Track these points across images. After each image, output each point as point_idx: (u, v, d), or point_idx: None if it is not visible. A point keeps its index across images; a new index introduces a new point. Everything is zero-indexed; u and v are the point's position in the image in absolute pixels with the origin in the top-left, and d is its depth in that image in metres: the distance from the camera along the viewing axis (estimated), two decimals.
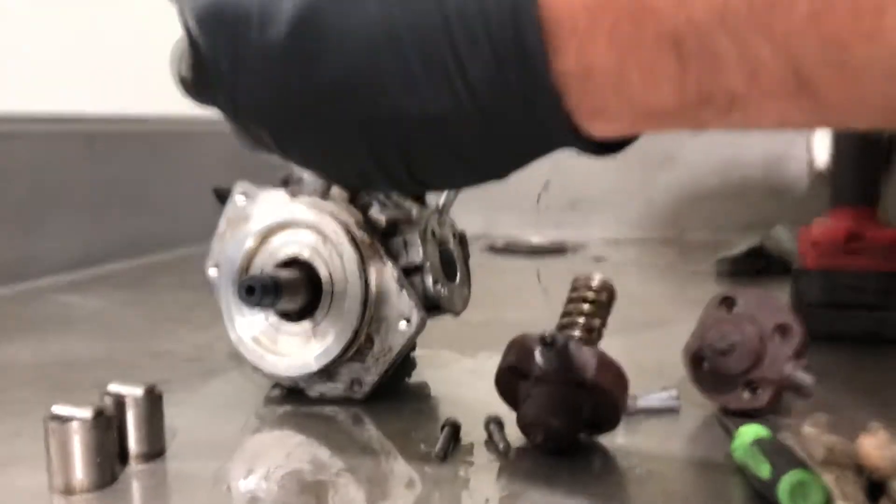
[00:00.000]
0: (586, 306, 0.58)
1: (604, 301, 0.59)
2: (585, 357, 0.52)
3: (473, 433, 0.56)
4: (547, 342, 0.50)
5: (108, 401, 0.52)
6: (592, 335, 0.58)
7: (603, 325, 0.59)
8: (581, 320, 0.58)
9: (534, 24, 0.30)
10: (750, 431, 0.50)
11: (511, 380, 0.55)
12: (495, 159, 0.38)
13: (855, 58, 0.25)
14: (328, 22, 0.34)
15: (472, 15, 0.31)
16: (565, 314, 0.59)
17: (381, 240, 0.63)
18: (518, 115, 0.33)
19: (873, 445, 0.47)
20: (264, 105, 0.39)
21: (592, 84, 0.31)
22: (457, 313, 0.70)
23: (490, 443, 0.54)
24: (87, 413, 0.48)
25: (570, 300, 0.60)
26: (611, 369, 0.52)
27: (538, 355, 0.51)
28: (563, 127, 0.33)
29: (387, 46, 0.33)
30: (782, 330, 0.58)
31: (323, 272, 0.62)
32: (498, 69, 0.32)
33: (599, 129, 0.33)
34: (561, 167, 1.64)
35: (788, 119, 0.29)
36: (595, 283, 0.60)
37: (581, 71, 0.31)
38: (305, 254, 0.62)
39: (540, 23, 0.30)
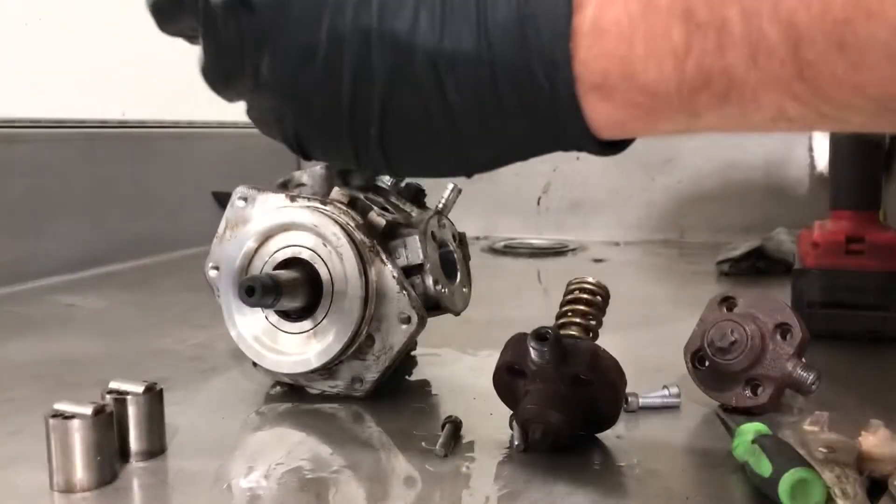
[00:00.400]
0: (582, 307, 0.59)
1: (599, 302, 0.60)
2: (580, 351, 0.52)
3: (474, 431, 0.56)
4: (540, 336, 0.50)
5: (109, 399, 0.52)
6: (589, 335, 0.58)
7: (598, 325, 0.59)
8: (577, 320, 0.58)
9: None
10: (751, 429, 0.50)
11: (508, 378, 0.56)
12: (485, 144, 0.38)
13: (856, 35, 0.26)
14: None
15: None
16: (561, 315, 0.59)
17: (380, 241, 0.63)
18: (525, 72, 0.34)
19: (873, 443, 0.47)
20: (288, 71, 0.40)
21: (600, 49, 0.31)
22: (457, 313, 0.70)
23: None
24: (87, 411, 0.48)
25: (566, 302, 0.60)
26: (607, 362, 0.52)
27: (533, 351, 0.51)
28: (568, 103, 0.33)
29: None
30: (783, 329, 0.59)
31: (323, 272, 0.62)
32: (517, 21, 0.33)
33: (597, 109, 0.33)
34: (561, 169, 1.65)
35: (783, 112, 0.29)
36: (590, 284, 0.60)
37: (594, 31, 0.31)
38: (305, 254, 0.62)
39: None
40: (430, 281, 0.64)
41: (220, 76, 0.43)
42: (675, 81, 0.30)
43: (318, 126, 0.40)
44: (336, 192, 0.65)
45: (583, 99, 0.33)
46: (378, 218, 0.64)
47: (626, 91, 0.32)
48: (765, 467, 0.45)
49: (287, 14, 0.38)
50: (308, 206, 0.63)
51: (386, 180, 0.71)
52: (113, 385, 0.53)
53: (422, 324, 0.62)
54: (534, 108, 0.35)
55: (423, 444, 0.55)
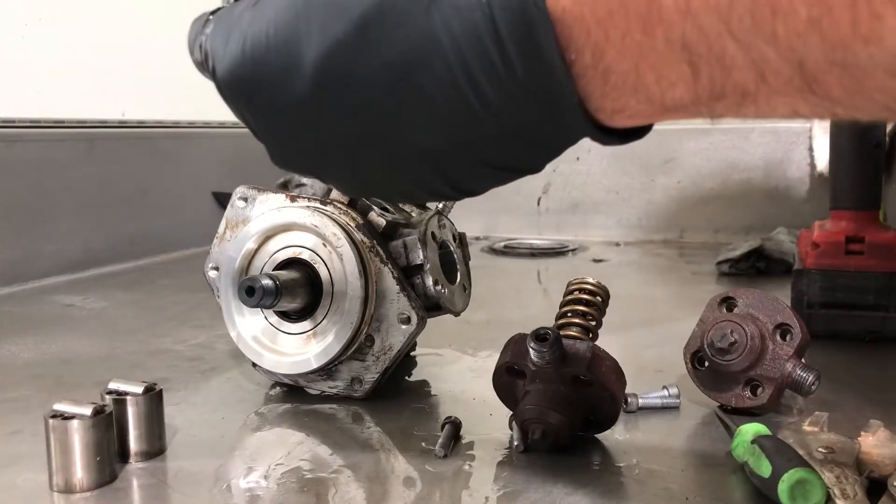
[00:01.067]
0: (581, 307, 0.59)
1: (598, 302, 0.60)
2: (580, 351, 0.52)
3: (474, 431, 0.56)
4: (540, 336, 0.50)
5: (109, 399, 0.52)
6: (588, 335, 0.58)
7: (598, 325, 0.59)
8: (577, 321, 0.58)
9: (550, 37, 0.31)
10: (750, 430, 0.50)
11: (508, 378, 0.56)
12: (526, 158, 0.38)
13: (856, 57, 0.26)
14: (348, 69, 0.36)
15: (483, 36, 0.32)
16: (561, 315, 0.59)
17: (380, 242, 0.63)
18: (543, 123, 0.34)
19: (873, 444, 0.47)
20: (300, 155, 0.41)
21: (610, 86, 0.32)
22: (457, 313, 0.70)
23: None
24: (87, 411, 0.48)
25: (566, 302, 0.60)
26: (606, 362, 0.52)
27: (532, 351, 0.51)
28: (587, 127, 0.34)
29: (405, 83, 0.35)
30: (783, 329, 0.59)
31: (323, 273, 0.62)
32: (517, 83, 0.33)
33: (621, 123, 0.34)
34: (561, 170, 1.65)
35: (799, 112, 0.30)
36: (590, 284, 0.60)
37: (599, 76, 0.32)
38: (305, 255, 0.62)
39: (555, 37, 0.31)
40: (430, 281, 0.64)
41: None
42: (690, 97, 0.31)
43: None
44: (336, 193, 0.65)
45: (605, 123, 0.34)
46: (378, 218, 0.64)
47: (638, 104, 0.32)
48: (765, 468, 0.45)
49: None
50: (308, 207, 0.63)
51: None
52: (112, 385, 0.53)
53: (422, 324, 0.62)
54: (554, 139, 0.36)
55: (423, 444, 0.55)
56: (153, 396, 0.53)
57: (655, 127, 0.36)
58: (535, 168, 0.39)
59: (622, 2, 0.29)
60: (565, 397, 0.52)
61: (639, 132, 0.36)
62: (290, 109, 0.39)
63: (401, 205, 0.68)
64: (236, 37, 0.40)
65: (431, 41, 0.33)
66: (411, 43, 0.34)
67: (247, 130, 0.43)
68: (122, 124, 1.36)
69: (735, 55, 0.28)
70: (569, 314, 0.59)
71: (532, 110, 0.34)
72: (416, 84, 0.34)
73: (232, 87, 0.41)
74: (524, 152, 0.37)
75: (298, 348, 0.63)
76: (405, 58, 0.34)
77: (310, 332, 0.63)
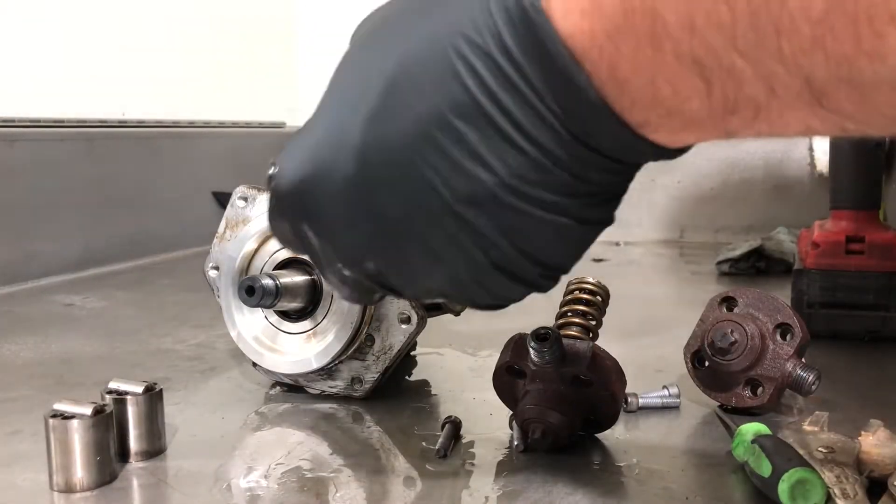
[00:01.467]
0: (582, 307, 0.59)
1: (598, 302, 0.60)
2: (580, 350, 0.52)
3: (474, 431, 0.56)
4: (540, 336, 0.50)
5: (109, 399, 0.52)
6: (588, 335, 0.58)
7: (598, 325, 0.59)
8: (577, 320, 0.58)
9: (565, 58, 0.31)
10: (750, 429, 0.50)
11: (508, 378, 0.56)
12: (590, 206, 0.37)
13: (862, 73, 0.26)
14: (389, 145, 0.35)
15: (504, 66, 0.32)
16: (561, 315, 0.59)
17: None
18: (591, 145, 0.33)
19: (873, 443, 0.47)
20: (368, 250, 0.39)
21: (629, 100, 0.32)
22: (457, 313, 0.70)
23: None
24: (87, 411, 0.48)
25: (566, 302, 0.60)
26: (606, 362, 0.52)
27: (532, 351, 0.51)
28: (635, 142, 0.33)
29: (433, 142, 0.34)
30: (783, 329, 0.59)
31: None
32: (553, 115, 0.32)
33: (651, 136, 0.34)
34: None
35: (811, 127, 0.30)
36: (590, 284, 0.60)
37: (617, 89, 0.32)
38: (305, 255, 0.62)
39: (570, 56, 0.31)
40: None
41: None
42: (706, 111, 0.31)
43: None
44: None
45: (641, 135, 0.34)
46: None
47: (659, 118, 0.32)
48: (765, 467, 0.45)
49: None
50: None
51: None
52: (112, 385, 0.53)
53: (422, 324, 0.62)
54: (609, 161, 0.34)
55: (423, 443, 0.55)
56: (153, 396, 0.53)
57: None
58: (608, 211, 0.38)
59: (626, 19, 0.29)
60: (565, 397, 0.52)
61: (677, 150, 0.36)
62: (342, 194, 0.38)
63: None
64: (293, 148, 0.40)
65: (456, 83, 0.33)
66: (439, 94, 0.33)
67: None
68: (122, 124, 1.36)
69: (744, 69, 0.28)
70: (569, 314, 0.59)
71: (570, 127, 0.33)
72: (454, 131, 0.34)
73: (291, 195, 0.40)
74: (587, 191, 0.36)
75: (298, 348, 0.63)
76: (436, 108, 0.34)
77: (310, 332, 0.63)
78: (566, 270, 0.39)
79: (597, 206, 0.37)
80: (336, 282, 0.42)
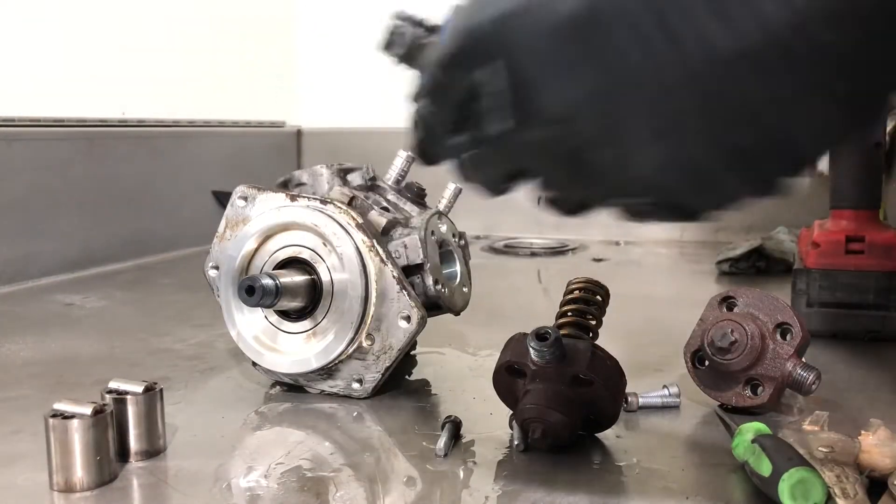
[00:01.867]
0: (582, 307, 0.59)
1: (599, 302, 0.60)
2: (580, 350, 0.52)
3: (474, 431, 0.56)
4: (541, 335, 0.50)
5: (109, 399, 0.52)
6: (589, 335, 0.58)
7: (598, 325, 0.59)
8: (577, 320, 0.58)
9: None
10: (751, 429, 0.50)
11: (508, 378, 0.56)
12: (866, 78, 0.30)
13: None
14: None
15: None
16: (561, 315, 0.59)
17: (380, 241, 0.63)
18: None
19: (873, 443, 0.47)
20: (579, 93, 0.32)
21: None
22: (457, 312, 0.70)
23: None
24: (87, 411, 0.48)
25: (566, 301, 0.60)
26: (606, 362, 0.52)
27: (532, 351, 0.51)
28: None
29: None
30: (783, 329, 0.59)
31: (323, 272, 0.62)
32: None
33: None
34: None
35: None
36: (590, 284, 0.60)
37: None
38: (305, 254, 0.62)
39: None
40: (430, 281, 0.64)
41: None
42: None
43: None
44: (336, 192, 0.65)
45: None
46: (378, 218, 0.64)
47: None
48: (765, 467, 0.45)
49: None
50: (308, 206, 0.63)
51: (386, 179, 0.71)
52: (112, 385, 0.53)
53: (422, 324, 0.62)
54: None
55: (423, 443, 0.55)
56: (153, 396, 0.53)
57: None
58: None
59: None
60: (565, 396, 0.52)
61: None
62: (564, 30, 0.31)
63: (400, 203, 0.67)
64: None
65: None
66: None
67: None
68: (122, 123, 1.36)
69: None
70: (569, 313, 0.59)
71: None
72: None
73: (490, 31, 0.33)
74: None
75: (298, 347, 0.63)
76: None
77: (310, 332, 0.63)
78: (813, 162, 0.32)
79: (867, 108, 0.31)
80: (488, 153, 0.36)
